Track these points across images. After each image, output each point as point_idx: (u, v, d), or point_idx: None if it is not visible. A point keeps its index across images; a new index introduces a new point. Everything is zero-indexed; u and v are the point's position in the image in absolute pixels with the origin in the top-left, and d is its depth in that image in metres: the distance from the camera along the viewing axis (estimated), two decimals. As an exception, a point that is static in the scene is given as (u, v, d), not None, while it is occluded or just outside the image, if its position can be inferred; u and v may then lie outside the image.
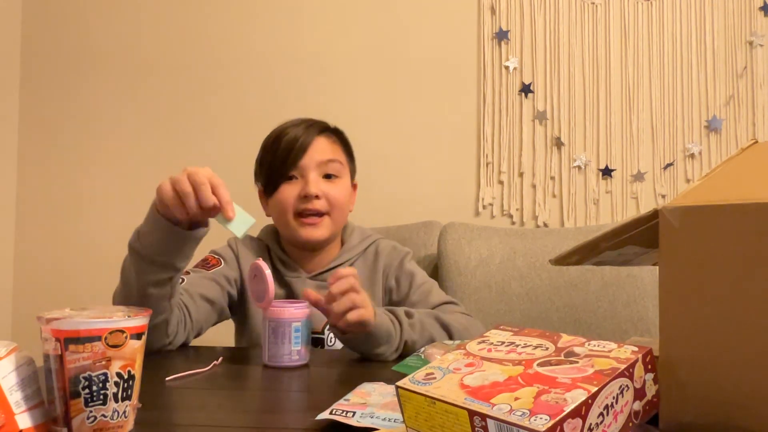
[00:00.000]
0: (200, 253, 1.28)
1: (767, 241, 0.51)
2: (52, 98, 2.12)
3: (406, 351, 1.01)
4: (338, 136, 1.23)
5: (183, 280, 1.12)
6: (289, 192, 1.15)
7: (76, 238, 2.08)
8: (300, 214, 1.15)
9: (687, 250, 0.55)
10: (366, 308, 0.93)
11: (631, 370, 0.51)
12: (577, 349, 0.55)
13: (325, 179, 1.17)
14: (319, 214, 1.15)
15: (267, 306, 0.94)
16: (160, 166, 2.06)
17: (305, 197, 1.14)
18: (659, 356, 0.56)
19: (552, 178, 1.91)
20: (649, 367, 0.52)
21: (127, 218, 2.11)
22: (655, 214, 0.57)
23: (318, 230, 1.16)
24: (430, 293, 1.19)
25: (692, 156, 1.87)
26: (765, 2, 1.85)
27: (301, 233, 1.15)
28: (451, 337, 1.07)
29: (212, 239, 1.22)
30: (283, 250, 1.22)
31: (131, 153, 2.08)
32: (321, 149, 1.17)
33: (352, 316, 0.91)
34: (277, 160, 1.16)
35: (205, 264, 1.20)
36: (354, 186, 1.28)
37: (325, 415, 0.64)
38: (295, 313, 0.94)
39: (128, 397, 0.58)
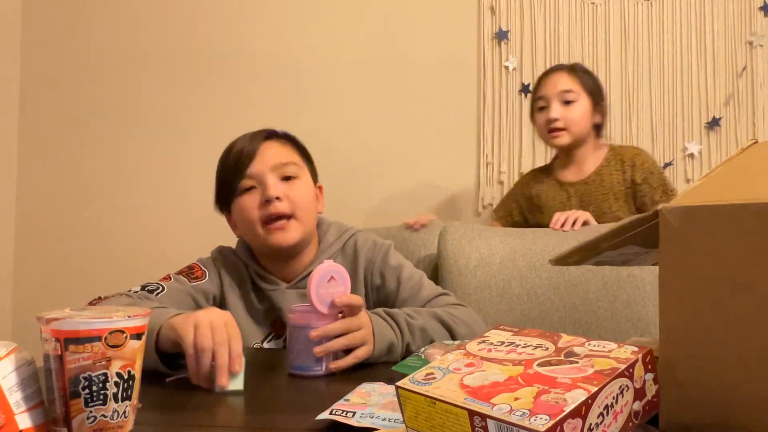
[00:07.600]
0: (188, 259, 1.28)
1: (767, 241, 0.51)
2: (52, 98, 2.12)
3: (409, 354, 1.01)
4: (289, 139, 1.20)
5: (163, 288, 1.10)
6: (250, 202, 1.11)
7: (76, 238, 2.08)
8: (266, 222, 1.11)
9: (687, 250, 0.55)
10: (367, 344, 0.93)
11: (631, 370, 0.51)
12: (577, 349, 0.55)
13: (283, 181, 1.12)
14: (285, 216, 1.11)
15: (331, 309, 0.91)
16: (160, 166, 2.06)
17: (266, 202, 1.10)
18: (659, 356, 0.56)
19: (552, 178, 1.90)
20: (649, 367, 0.52)
21: (126, 218, 2.12)
22: (655, 214, 0.57)
23: (288, 234, 1.11)
24: (422, 287, 1.16)
25: (692, 156, 1.87)
26: (765, 2, 1.85)
27: (272, 240, 1.11)
28: (453, 337, 1.06)
29: (208, 242, 1.23)
30: (259, 264, 1.19)
31: (131, 152, 2.08)
32: (272, 153, 1.13)
33: (355, 359, 0.92)
34: (229, 173, 1.13)
35: (190, 274, 1.18)
36: (320, 188, 1.23)
37: (325, 415, 0.64)
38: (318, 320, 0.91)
39: (128, 398, 0.58)
